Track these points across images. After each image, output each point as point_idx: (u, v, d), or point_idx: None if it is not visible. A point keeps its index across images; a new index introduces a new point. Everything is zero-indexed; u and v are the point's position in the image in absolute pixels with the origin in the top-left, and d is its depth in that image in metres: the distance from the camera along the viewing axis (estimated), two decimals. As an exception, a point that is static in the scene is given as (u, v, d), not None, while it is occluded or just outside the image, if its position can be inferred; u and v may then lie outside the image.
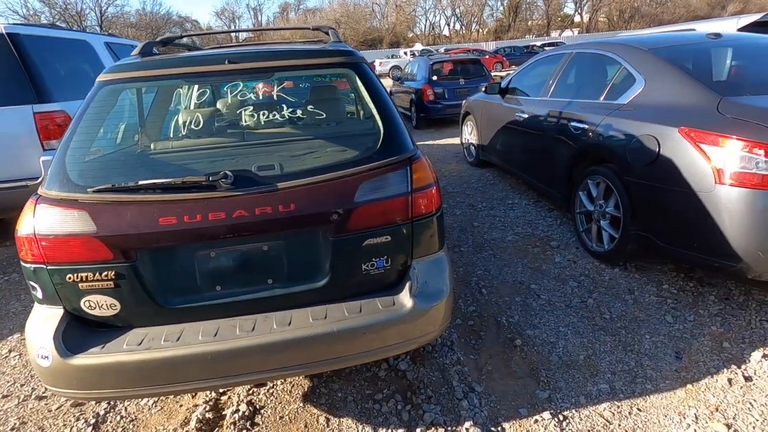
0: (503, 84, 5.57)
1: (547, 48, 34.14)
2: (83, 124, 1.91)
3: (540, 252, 3.81)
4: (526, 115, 4.72)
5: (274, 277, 1.86)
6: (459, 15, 70.65)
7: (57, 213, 1.72)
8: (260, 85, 2.23)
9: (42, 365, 1.72)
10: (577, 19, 67.78)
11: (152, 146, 2.20)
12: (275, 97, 2.02)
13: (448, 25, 73.56)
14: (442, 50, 36.54)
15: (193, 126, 2.13)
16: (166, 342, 1.74)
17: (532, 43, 37.77)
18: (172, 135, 2.21)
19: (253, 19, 73.47)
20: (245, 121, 2.09)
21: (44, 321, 1.80)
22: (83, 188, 1.75)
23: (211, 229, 1.72)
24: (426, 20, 73.79)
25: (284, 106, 2.05)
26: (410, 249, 1.93)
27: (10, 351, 3.03)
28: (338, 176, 1.82)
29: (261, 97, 2.03)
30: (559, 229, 4.21)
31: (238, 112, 2.13)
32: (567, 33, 59.94)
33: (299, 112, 2.05)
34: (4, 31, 4.17)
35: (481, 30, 70.82)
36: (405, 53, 36.22)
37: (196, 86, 2.34)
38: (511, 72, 6.92)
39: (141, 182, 1.72)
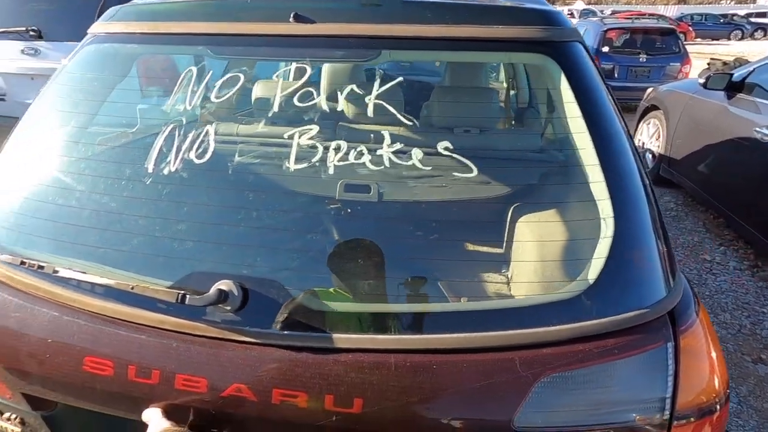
0: (737, 76, 3.69)
1: (754, 20, 26.87)
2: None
3: (775, 381, 2.28)
4: (781, 137, 2.96)
5: None
6: (636, -30, 59.32)
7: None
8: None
9: None
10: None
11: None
12: (370, 109, 0.89)
13: (620, -19, 62.48)
14: (608, 12, 31.19)
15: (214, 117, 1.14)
16: None
17: (732, 11, 30.05)
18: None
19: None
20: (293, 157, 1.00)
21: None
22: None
23: (180, 408, 0.78)
24: (593, -26, 63.56)
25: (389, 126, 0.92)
26: None
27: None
28: (474, 348, 0.72)
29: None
30: (806, 337, 2.57)
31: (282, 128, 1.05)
32: (784, 1, 46.85)
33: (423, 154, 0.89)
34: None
35: (661, -10, 59.06)
36: (561, 12, 31.37)
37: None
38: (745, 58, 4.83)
39: (59, 268, 0.82)
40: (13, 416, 0.93)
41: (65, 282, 0.83)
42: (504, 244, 0.91)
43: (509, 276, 0.85)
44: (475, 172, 0.82)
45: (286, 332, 0.75)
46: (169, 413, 0.79)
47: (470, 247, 0.92)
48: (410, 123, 0.86)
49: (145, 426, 0.82)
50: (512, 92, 1.87)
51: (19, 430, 0.95)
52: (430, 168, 0.82)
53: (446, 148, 0.83)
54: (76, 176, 0.93)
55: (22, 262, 0.86)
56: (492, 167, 0.89)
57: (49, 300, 0.84)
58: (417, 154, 0.82)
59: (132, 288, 0.77)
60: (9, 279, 0.88)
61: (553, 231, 0.84)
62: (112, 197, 0.90)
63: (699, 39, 24.29)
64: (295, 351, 0.74)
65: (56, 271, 0.82)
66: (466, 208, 0.88)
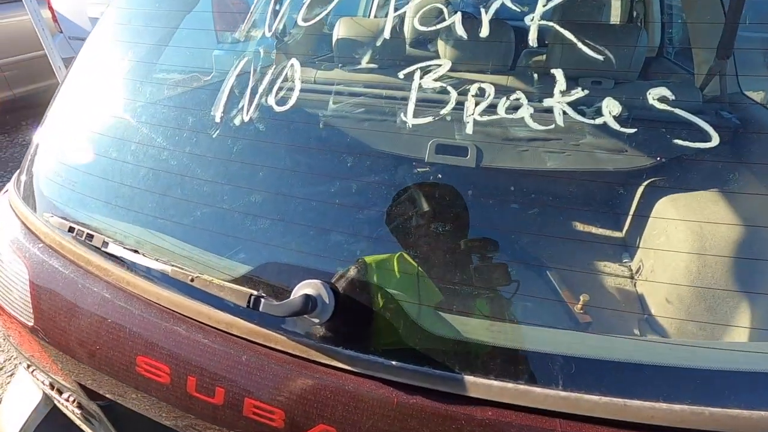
0: None
1: None
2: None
3: None
4: None
5: None
6: None
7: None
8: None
9: None
10: None
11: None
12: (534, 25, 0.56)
13: None
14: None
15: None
16: None
17: None
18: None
19: None
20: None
21: (17, 399, 1.04)
22: (39, 205, 0.77)
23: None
24: None
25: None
26: None
27: None
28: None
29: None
30: None
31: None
32: None
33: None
34: None
35: None
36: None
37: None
38: None
39: (109, 241, 0.64)
40: (71, 398, 0.82)
41: (117, 259, 0.66)
42: None
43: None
44: (716, 140, 0.50)
45: (395, 363, 0.52)
46: None
47: None
48: (600, 57, 0.55)
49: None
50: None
51: (79, 413, 0.85)
52: (633, 130, 0.51)
53: (662, 99, 0.51)
54: (135, 128, 0.74)
55: (71, 229, 0.69)
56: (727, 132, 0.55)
57: (100, 277, 0.68)
58: (612, 107, 0.51)
59: (191, 280, 0.57)
60: (60, 246, 0.73)
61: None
62: (172, 153, 0.70)
63: None
64: (410, 392, 0.51)
65: (106, 244, 0.65)
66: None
